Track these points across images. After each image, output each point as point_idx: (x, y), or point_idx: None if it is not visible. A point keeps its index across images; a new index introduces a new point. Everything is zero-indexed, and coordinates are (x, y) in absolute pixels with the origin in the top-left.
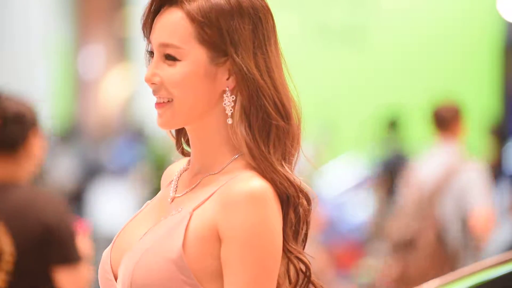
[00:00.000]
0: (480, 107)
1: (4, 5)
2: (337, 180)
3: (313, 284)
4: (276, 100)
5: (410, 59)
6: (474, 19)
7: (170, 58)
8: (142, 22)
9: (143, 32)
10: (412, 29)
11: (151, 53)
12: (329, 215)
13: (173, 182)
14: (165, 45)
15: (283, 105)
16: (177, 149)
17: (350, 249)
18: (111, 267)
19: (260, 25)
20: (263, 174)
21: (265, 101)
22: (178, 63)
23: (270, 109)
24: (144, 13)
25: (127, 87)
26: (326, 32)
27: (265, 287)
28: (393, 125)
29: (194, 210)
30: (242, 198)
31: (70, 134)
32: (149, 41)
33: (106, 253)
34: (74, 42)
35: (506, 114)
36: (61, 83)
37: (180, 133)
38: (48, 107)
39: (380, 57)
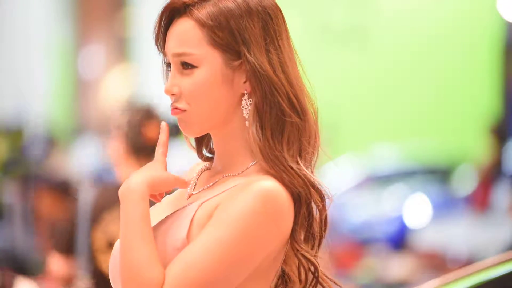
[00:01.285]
0: (480, 107)
1: (4, 5)
2: (337, 180)
3: (321, 285)
4: (291, 95)
5: (410, 59)
6: (474, 19)
7: (187, 67)
8: (155, 37)
9: (157, 46)
10: (412, 30)
11: (168, 65)
12: (329, 215)
13: (192, 179)
14: (179, 55)
15: (298, 100)
16: (200, 158)
17: (350, 249)
18: None
19: (270, 21)
20: (274, 173)
21: (279, 98)
22: (195, 70)
23: (284, 106)
24: (155, 28)
25: (127, 87)
26: (328, 33)
27: (218, 266)
28: None
29: (203, 203)
30: (252, 190)
31: (70, 134)
32: (164, 55)
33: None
34: (74, 42)
35: (506, 114)
36: (61, 83)
37: (202, 142)
38: (48, 107)
39: (382, 57)
